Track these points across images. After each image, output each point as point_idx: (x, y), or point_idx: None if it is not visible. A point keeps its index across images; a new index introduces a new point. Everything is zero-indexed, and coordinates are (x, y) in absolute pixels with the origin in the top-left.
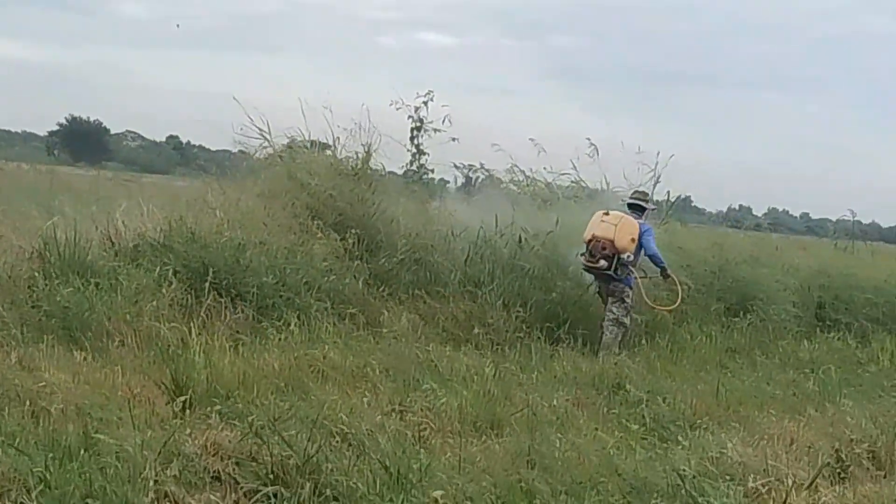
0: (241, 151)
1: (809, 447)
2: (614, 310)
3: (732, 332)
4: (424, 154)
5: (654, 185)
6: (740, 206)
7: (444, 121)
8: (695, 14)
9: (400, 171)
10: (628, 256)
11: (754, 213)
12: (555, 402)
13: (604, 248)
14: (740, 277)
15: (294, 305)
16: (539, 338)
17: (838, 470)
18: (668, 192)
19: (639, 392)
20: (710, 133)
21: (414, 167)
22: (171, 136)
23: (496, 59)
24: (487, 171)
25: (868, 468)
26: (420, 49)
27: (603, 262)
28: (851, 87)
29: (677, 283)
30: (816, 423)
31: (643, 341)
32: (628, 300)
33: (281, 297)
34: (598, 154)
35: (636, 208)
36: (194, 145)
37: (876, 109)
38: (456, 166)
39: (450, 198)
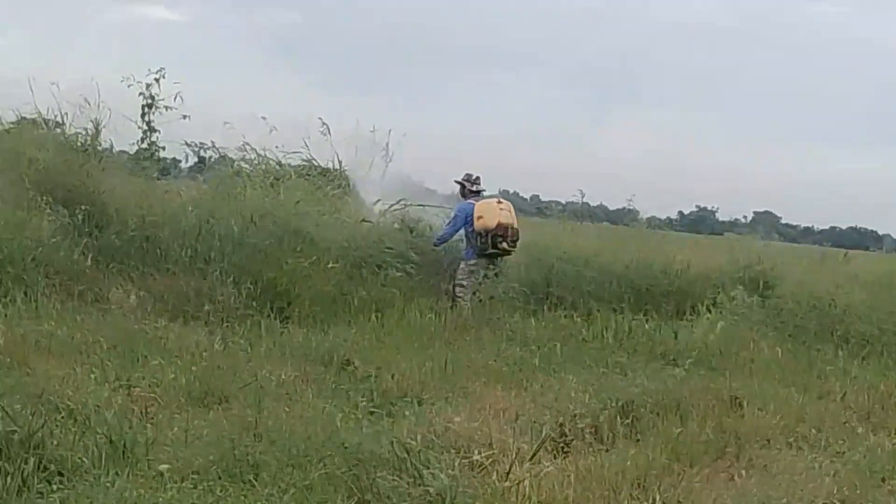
0: None
1: (534, 421)
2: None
3: (461, 308)
4: (156, 132)
5: (387, 165)
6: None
7: (175, 98)
8: None
9: (131, 149)
10: None
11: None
12: (283, 377)
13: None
14: None
15: (20, 281)
16: (269, 314)
17: (561, 444)
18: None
19: (367, 368)
20: (442, 111)
21: (145, 144)
22: None
23: (222, 34)
24: (219, 149)
25: (590, 442)
26: (146, 24)
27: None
28: (566, 65)
29: None
30: (541, 399)
31: (373, 317)
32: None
33: (7, 272)
34: (329, 132)
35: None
36: None
37: (590, 89)
38: (187, 144)
39: (181, 175)
